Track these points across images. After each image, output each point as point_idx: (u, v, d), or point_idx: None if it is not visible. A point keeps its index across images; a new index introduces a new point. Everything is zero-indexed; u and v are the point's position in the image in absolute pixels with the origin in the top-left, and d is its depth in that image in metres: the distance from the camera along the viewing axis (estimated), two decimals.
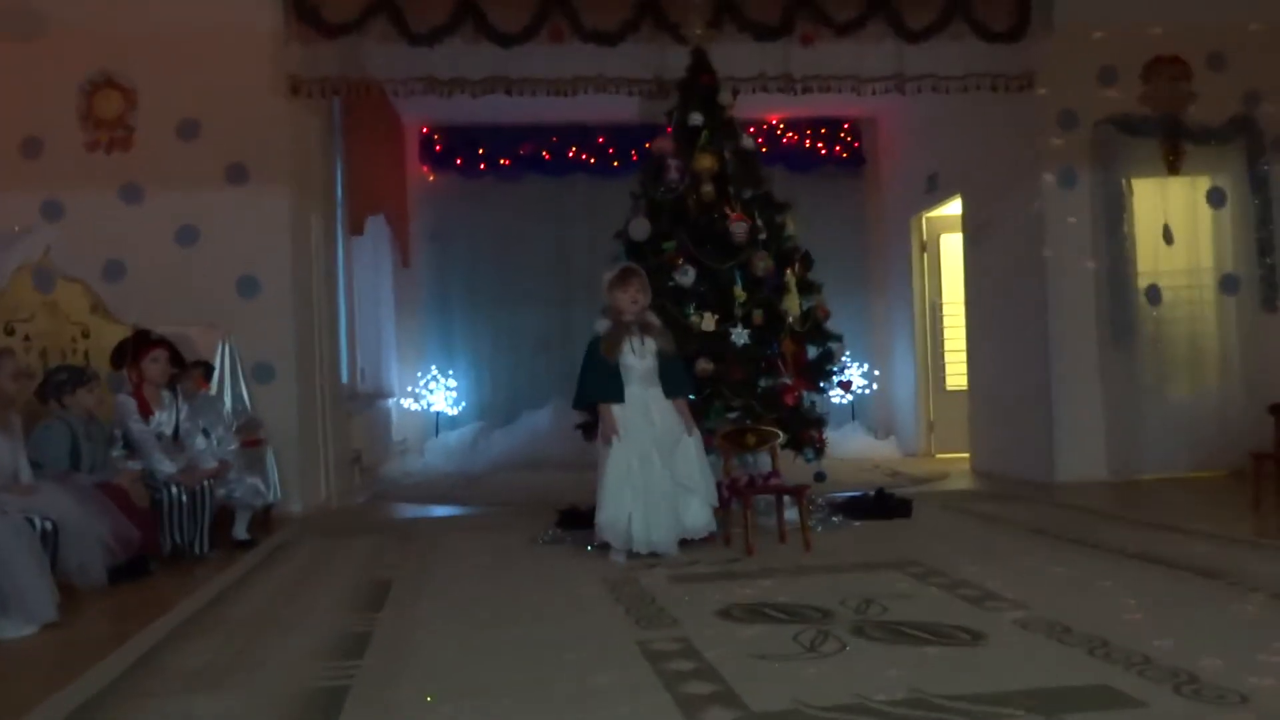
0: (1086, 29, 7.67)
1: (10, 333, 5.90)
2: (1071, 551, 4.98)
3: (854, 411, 10.84)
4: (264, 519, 6.44)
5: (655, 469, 5.14)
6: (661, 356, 5.29)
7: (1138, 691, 2.79)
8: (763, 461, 5.81)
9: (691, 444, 5.27)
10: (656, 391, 5.26)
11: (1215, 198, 7.85)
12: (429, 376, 10.93)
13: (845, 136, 11.35)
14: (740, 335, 5.87)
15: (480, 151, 10.98)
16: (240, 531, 5.95)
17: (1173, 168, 7.81)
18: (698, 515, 5.20)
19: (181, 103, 7.21)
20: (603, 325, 5.32)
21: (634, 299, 5.29)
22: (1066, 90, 7.74)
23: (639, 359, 5.23)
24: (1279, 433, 6.41)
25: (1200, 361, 7.94)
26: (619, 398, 5.19)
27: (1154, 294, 7.79)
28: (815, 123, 11.19)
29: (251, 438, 6.53)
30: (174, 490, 5.40)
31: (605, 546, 5.19)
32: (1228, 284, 7.88)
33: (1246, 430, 7.34)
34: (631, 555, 5.05)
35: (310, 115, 7.77)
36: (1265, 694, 2.73)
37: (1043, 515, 6.19)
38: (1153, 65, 7.81)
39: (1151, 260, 7.80)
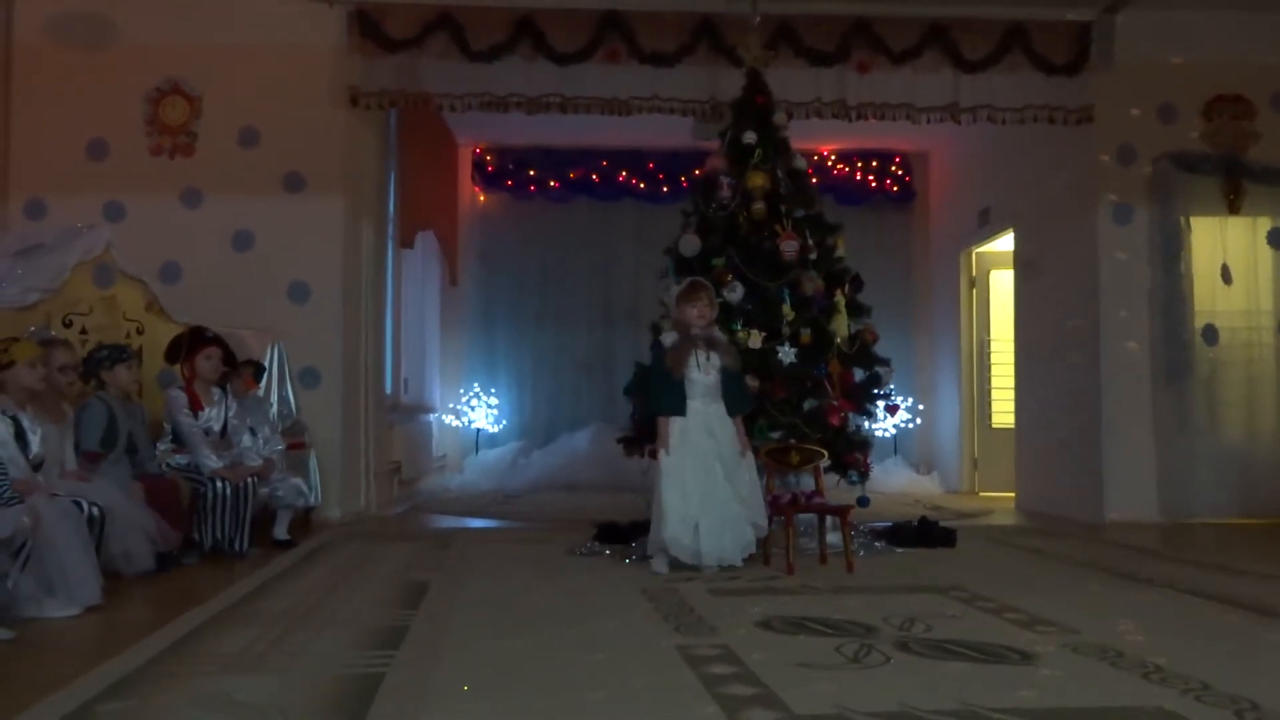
0: (1148, 64, 7.61)
1: (68, 325, 6.01)
2: (1121, 585, 4.85)
3: (896, 446, 10.71)
4: (304, 521, 6.47)
5: (719, 481, 5.08)
6: (725, 373, 5.25)
7: (1197, 714, 2.69)
8: (805, 482, 5.74)
9: (747, 463, 5.24)
10: (719, 408, 5.22)
11: (1275, 238, 7.69)
12: (471, 394, 10.98)
13: (895, 170, 11.32)
14: (787, 354, 5.82)
15: (531, 174, 11.09)
16: (280, 532, 5.98)
17: (1233, 207, 7.68)
18: (746, 533, 5.14)
19: (243, 112, 7.38)
20: (670, 338, 5.32)
21: (701, 313, 5.27)
22: (1125, 125, 7.67)
23: (703, 374, 5.19)
24: None
25: (1256, 404, 7.74)
26: (680, 411, 5.15)
27: (1210, 334, 7.63)
28: (866, 155, 11.18)
29: (296, 440, 6.59)
30: (218, 485, 5.44)
31: (644, 558, 5.13)
32: None
33: None
34: (674, 566, 4.99)
35: (366, 128, 7.90)
36: None
37: (1090, 551, 6.04)
38: (1214, 103, 7.71)
39: (1209, 300, 7.65)
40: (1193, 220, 7.65)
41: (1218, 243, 7.72)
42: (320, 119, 7.42)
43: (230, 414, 5.79)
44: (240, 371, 6.07)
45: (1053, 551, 6.03)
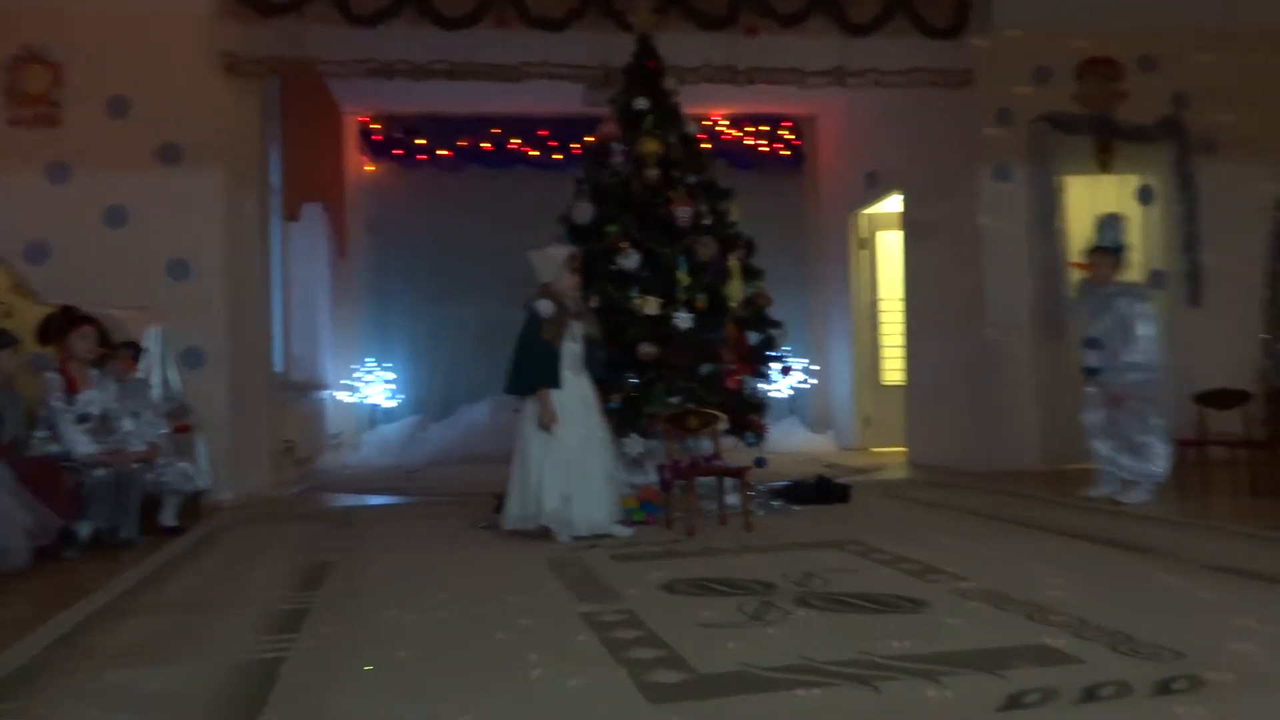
0: (1023, 28, 7.84)
1: None
2: (1009, 531, 5.07)
3: (792, 406, 10.91)
4: (194, 506, 6.24)
5: (594, 452, 5.12)
6: (589, 341, 5.27)
7: (1076, 650, 2.84)
8: (704, 445, 5.81)
9: (606, 430, 5.32)
10: (586, 377, 5.26)
11: (1144, 195, 8.07)
12: (365, 369, 10.76)
13: (786, 134, 11.44)
14: (683, 320, 5.86)
15: (421, 142, 10.85)
16: (168, 518, 5.77)
17: (1104, 165, 8.02)
18: (614, 501, 5.25)
19: (111, 80, 7.02)
20: (547, 307, 5.19)
21: (578, 283, 5.26)
22: (1003, 88, 7.91)
23: (574, 344, 5.21)
24: (1202, 421, 6.59)
25: None
26: (558, 383, 5.13)
27: (1159, 280, 7.96)
28: (756, 120, 11.27)
29: (181, 423, 6.35)
30: (98, 473, 5.22)
31: (494, 525, 5.21)
32: (1156, 279, 8.09)
33: (1173, 420, 7.53)
34: (576, 538, 5.02)
35: (246, 97, 7.59)
36: (1197, 648, 2.79)
37: (979, 499, 6.29)
38: (1086, 65, 8.01)
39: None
40: (1067, 179, 7.97)
41: (1091, 200, 8.04)
42: (195, 87, 7.10)
43: (110, 397, 5.54)
44: (118, 354, 5.82)
45: (942, 502, 6.26)
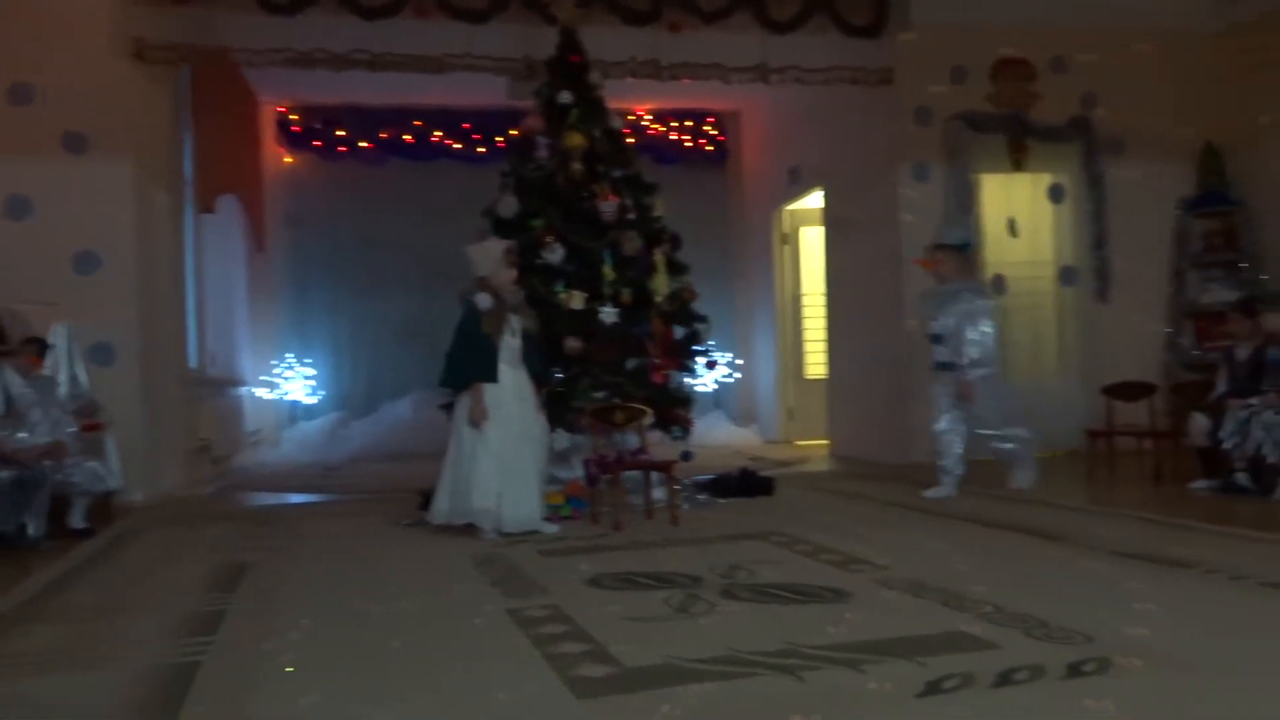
0: (941, 27, 7.98)
1: None
2: (926, 521, 5.19)
3: (716, 400, 11.00)
4: (104, 507, 6.04)
5: (527, 448, 5.08)
6: (525, 336, 5.22)
7: (991, 636, 2.92)
8: (630, 440, 5.82)
9: (542, 426, 5.27)
10: (523, 372, 5.20)
11: (1055, 193, 8.31)
12: (285, 365, 10.53)
13: (710, 129, 11.51)
14: (609, 314, 5.86)
15: (341, 134, 10.65)
16: (77, 520, 5.57)
17: (1017, 164, 8.24)
18: (540, 497, 5.21)
19: (13, 66, 6.73)
20: (485, 300, 5.09)
21: (515, 277, 5.21)
22: (922, 87, 8.05)
23: (512, 338, 5.14)
24: (1110, 413, 6.82)
25: (1040, 348, 8.39)
26: (494, 377, 5.06)
27: (999, 284, 8.17)
28: (681, 115, 11.31)
29: (90, 421, 6.13)
30: (1, 473, 5.01)
31: (418, 523, 5.14)
32: (1066, 275, 8.36)
33: (1082, 412, 7.80)
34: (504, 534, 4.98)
35: (156, 85, 7.37)
36: (1106, 632, 2.89)
37: (897, 491, 6.42)
38: (1000, 66, 8.21)
39: (997, 252, 8.19)
40: (982, 177, 8.17)
41: (1005, 198, 8.28)
42: (103, 74, 6.84)
43: (14, 392, 5.33)
44: (22, 350, 5.59)
45: (864, 494, 6.38)
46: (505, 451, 5.01)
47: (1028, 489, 6.03)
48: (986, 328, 6.06)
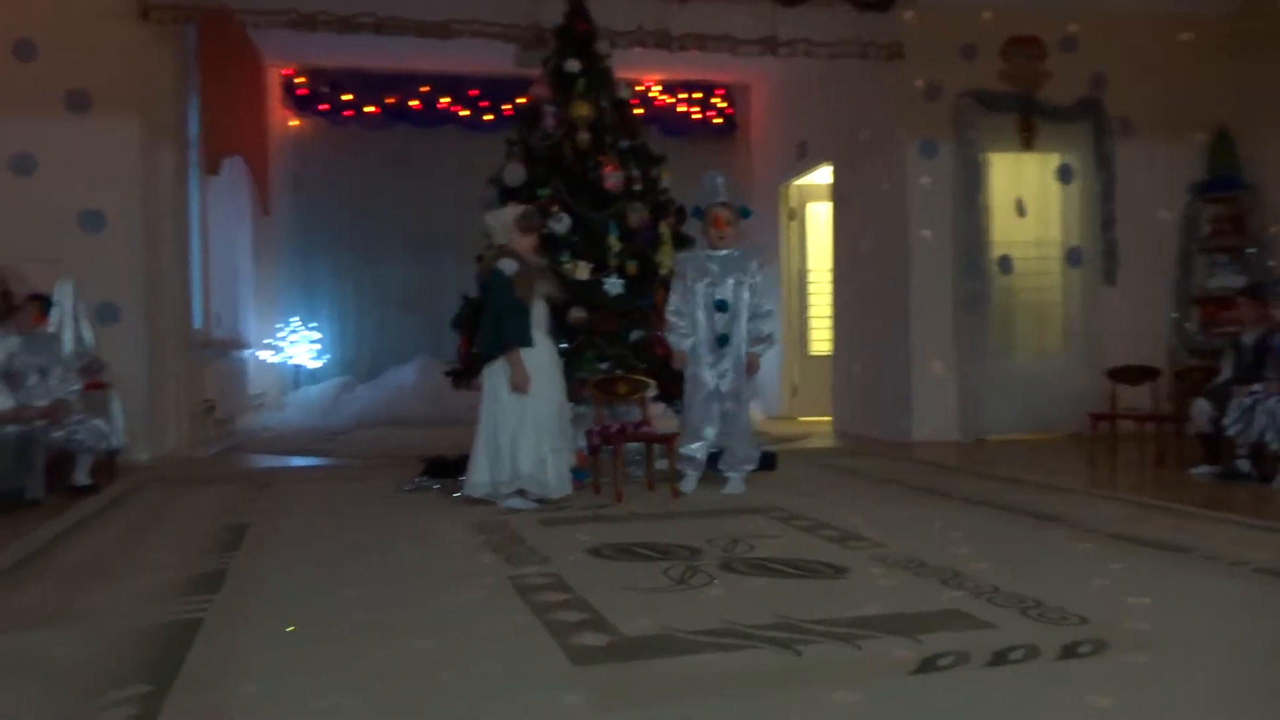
0: (951, 4, 7.92)
1: None
2: (924, 499, 5.20)
3: None
4: (108, 465, 6.08)
5: (562, 413, 5.04)
6: (550, 303, 5.15)
7: (988, 615, 2.93)
8: (633, 412, 5.83)
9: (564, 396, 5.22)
10: (549, 339, 5.12)
11: (1064, 174, 8.26)
12: (289, 328, 10.53)
13: (718, 102, 11.44)
14: (614, 285, 5.86)
15: (347, 98, 10.60)
16: (81, 477, 5.61)
17: (1026, 143, 8.18)
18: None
19: (17, 22, 6.71)
20: (510, 266, 4.94)
21: (535, 243, 5.12)
22: (931, 63, 7.99)
23: (542, 304, 5.05)
24: (1113, 396, 6.82)
25: (1045, 329, 8.37)
26: (530, 342, 4.92)
27: (1005, 264, 8.15)
28: (689, 86, 11.24)
29: (95, 380, 6.15)
30: (3, 430, 5.03)
31: (477, 500, 4.99)
32: (1073, 256, 8.32)
33: (1085, 394, 7.79)
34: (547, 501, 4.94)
35: (161, 44, 7.33)
36: (1102, 614, 2.90)
37: (898, 469, 6.43)
38: (1011, 43, 8.14)
39: (1004, 231, 8.16)
40: (991, 155, 8.12)
41: (1013, 177, 8.23)
42: (107, 33, 6.82)
43: (15, 352, 5.34)
44: (25, 306, 5.60)
45: (864, 471, 6.38)
46: (549, 418, 4.93)
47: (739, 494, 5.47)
48: (770, 297, 5.57)
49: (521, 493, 4.95)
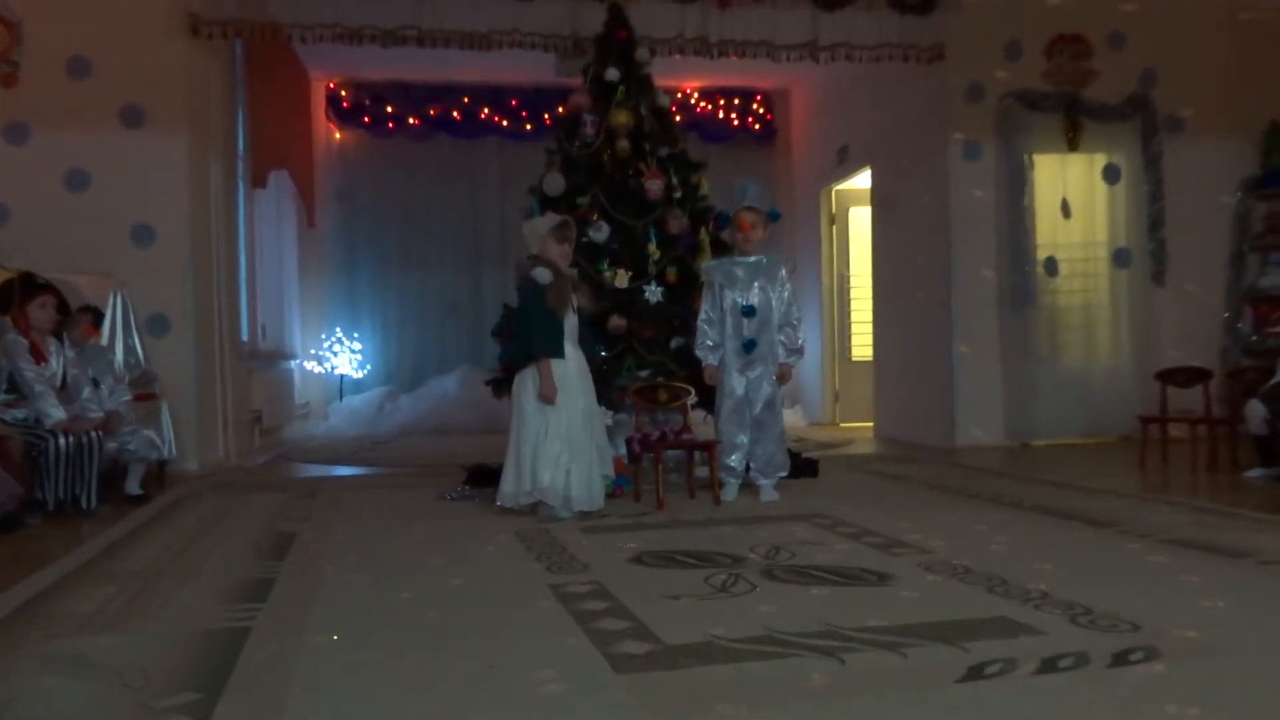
0: (994, 3, 7.84)
1: None
2: (971, 505, 5.13)
3: None
4: (159, 475, 6.20)
5: (590, 427, 5.01)
6: (581, 315, 5.14)
7: (1036, 622, 2.88)
8: (673, 419, 5.82)
9: (599, 409, 5.21)
10: (581, 352, 5.11)
11: (1111, 174, 8.14)
12: (334, 338, 10.67)
13: (757, 108, 11.42)
14: (654, 293, 5.86)
15: (389, 110, 10.74)
16: (133, 486, 5.72)
17: (1072, 143, 8.07)
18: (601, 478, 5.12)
19: (71, 40, 6.88)
20: (545, 275, 4.94)
21: (568, 253, 5.11)
22: (974, 64, 7.92)
23: (574, 315, 5.04)
24: (1164, 398, 6.69)
25: (1093, 332, 8.24)
26: (561, 353, 4.93)
27: (1051, 266, 8.04)
28: (728, 93, 11.24)
29: (146, 391, 6.28)
30: (60, 440, 5.15)
31: (508, 510, 5.01)
32: (1120, 258, 8.19)
33: (1135, 397, 7.67)
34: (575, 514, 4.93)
35: (210, 59, 7.47)
36: (1155, 621, 2.84)
37: (943, 474, 6.36)
38: (1056, 42, 8.04)
39: (1050, 233, 8.06)
40: (1035, 157, 8.02)
41: (1058, 178, 8.12)
42: (159, 49, 6.96)
43: (69, 364, 5.47)
44: (78, 319, 5.73)
45: (908, 477, 6.32)
46: (573, 429, 4.92)
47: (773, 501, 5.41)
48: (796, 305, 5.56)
49: (533, 506, 4.93)
